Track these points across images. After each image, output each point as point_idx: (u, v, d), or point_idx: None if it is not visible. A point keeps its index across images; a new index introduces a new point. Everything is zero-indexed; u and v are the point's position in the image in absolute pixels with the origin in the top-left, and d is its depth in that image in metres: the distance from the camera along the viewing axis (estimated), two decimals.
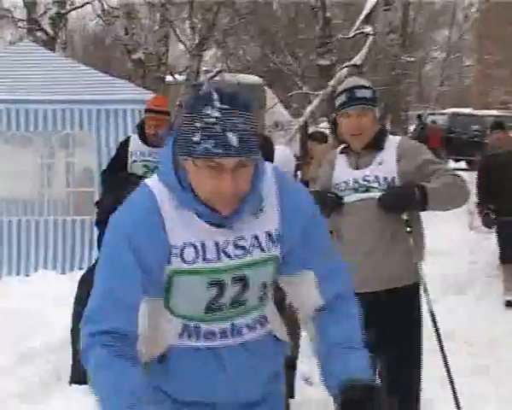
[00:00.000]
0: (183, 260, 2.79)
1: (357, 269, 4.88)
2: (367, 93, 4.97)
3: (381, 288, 4.83)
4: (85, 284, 7.29)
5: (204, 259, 2.82)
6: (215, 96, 2.63)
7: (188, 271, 2.81)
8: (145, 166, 7.68)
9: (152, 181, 2.90)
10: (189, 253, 2.80)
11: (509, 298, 10.68)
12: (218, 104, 2.63)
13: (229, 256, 2.84)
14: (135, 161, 7.62)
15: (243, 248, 2.85)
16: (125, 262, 2.77)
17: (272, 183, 2.97)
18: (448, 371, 5.01)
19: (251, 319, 2.97)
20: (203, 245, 2.82)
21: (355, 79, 5.31)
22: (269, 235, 2.91)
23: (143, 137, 7.74)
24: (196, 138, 2.62)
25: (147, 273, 2.78)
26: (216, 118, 2.60)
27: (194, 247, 2.82)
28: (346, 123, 4.99)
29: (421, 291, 4.89)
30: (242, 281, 2.88)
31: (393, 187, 4.75)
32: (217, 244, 2.84)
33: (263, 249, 2.90)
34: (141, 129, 7.85)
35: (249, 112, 2.71)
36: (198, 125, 2.62)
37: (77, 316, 7.45)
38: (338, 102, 5.06)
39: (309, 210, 3.03)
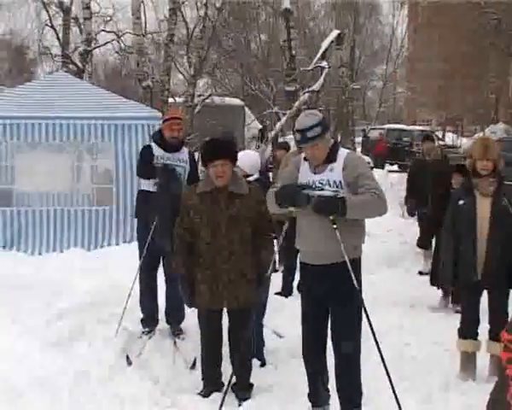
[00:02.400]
0: None
1: (310, 248, 5.00)
2: (316, 131, 4.97)
3: (322, 262, 5.01)
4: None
5: None
6: None
7: None
8: None
9: None
10: None
11: (420, 269, 10.84)
12: None
13: None
14: (157, 164, 7.46)
15: None
16: None
17: None
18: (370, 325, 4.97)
19: None
20: None
21: (305, 120, 5.06)
22: None
23: (161, 144, 7.50)
24: None
25: None
26: None
27: None
28: (305, 153, 5.11)
29: (350, 267, 4.86)
30: None
31: (324, 198, 4.86)
32: None
33: None
34: (159, 138, 7.56)
35: None
36: None
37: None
38: (295, 138, 5.17)
39: None
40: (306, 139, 4.97)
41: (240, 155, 7.04)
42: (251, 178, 6.50)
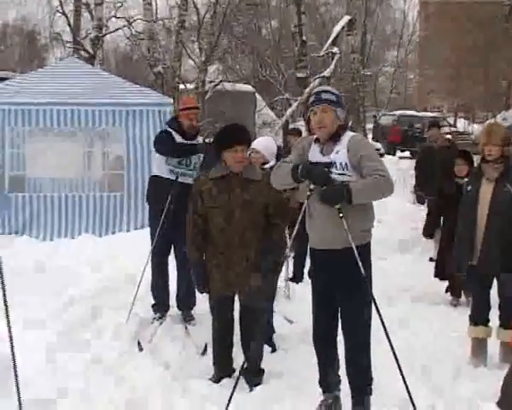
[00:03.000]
0: None
1: (318, 233, 4.99)
2: (331, 97, 5.06)
3: (330, 247, 4.99)
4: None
5: None
6: None
7: None
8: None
9: None
10: None
11: (431, 256, 10.71)
12: None
13: None
14: None
15: None
16: None
17: None
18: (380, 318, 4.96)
19: None
20: None
21: (324, 87, 5.40)
22: None
23: (179, 131, 7.45)
24: None
25: None
26: None
27: None
28: (313, 119, 5.07)
29: (357, 255, 4.84)
30: None
31: (329, 187, 4.85)
32: None
33: None
34: (177, 125, 7.50)
35: None
36: None
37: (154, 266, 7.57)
38: (310, 101, 5.19)
39: None
40: (320, 100, 5.03)
41: (261, 141, 7.09)
42: (267, 165, 6.52)
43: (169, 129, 7.56)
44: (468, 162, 8.50)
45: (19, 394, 4.49)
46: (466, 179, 7.33)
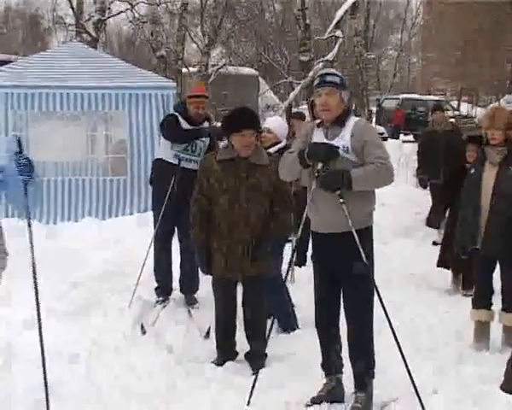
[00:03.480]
0: None
1: (319, 216, 5.03)
2: (335, 79, 5.03)
3: (331, 231, 4.97)
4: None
5: None
6: None
7: None
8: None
9: None
10: None
11: (435, 240, 10.66)
12: None
13: None
14: None
15: None
16: None
17: None
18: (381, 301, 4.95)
19: None
20: None
21: (328, 69, 5.43)
22: None
23: (185, 117, 7.42)
24: None
25: None
26: None
27: None
28: (318, 101, 5.03)
29: (357, 240, 4.81)
30: None
31: (329, 173, 4.82)
32: None
33: None
34: (184, 111, 7.47)
35: None
36: None
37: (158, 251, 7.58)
38: (314, 83, 5.16)
39: None
40: (324, 82, 5.00)
41: (274, 120, 7.14)
42: (278, 146, 6.57)
43: (176, 113, 7.54)
44: (478, 147, 8.34)
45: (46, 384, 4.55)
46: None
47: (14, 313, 6.67)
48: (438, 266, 8.90)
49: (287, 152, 5.29)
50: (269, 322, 5.55)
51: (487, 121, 6.25)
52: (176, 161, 7.34)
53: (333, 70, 5.37)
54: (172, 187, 7.26)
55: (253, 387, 5.07)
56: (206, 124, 7.61)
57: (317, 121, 5.16)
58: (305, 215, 5.14)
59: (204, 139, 7.48)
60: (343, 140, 4.92)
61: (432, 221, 9.99)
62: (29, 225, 4.75)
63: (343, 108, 5.03)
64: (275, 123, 6.99)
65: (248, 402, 5.05)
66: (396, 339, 4.83)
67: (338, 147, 4.87)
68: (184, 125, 7.41)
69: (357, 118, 5.18)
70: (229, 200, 5.60)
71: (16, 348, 5.92)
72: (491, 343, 6.38)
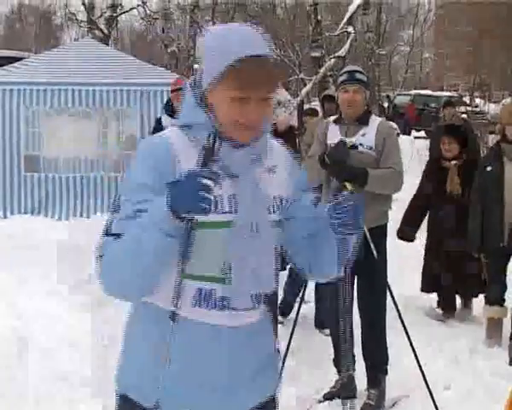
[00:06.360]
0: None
1: None
2: (363, 77, 5.05)
3: None
4: None
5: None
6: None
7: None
8: None
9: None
10: None
11: None
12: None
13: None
14: None
15: None
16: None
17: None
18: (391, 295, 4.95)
19: None
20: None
21: (356, 66, 5.48)
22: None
23: (171, 114, 7.66)
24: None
25: None
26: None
27: None
28: (344, 96, 5.00)
29: (369, 237, 4.78)
30: None
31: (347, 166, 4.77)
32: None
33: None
34: (169, 107, 7.83)
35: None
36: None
37: None
38: (340, 79, 5.12)
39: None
40: (354, 78, 4.98)
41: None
42: None
43: (163, 115, 7.89)
44: (460, 140, 7.04)
45: None
46: (454, 162, 6.94)
47: (26, 303, 6.74)
48: (422, 290, 7.37)
49: (306, 156, 5.29)
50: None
51: (506, 117, 6.18)
52: None
53: (359, 68, 5.37)
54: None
55: None
56: None
57: (333, 118, 5.15)
58: None
59: None
60: (366, 138, 4.91)
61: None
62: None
63: (366, 108, 5.04)
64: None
65: None
66: (408, 336, 4.83)
67: (356, 145, 4.87)
68: (168, 123, 7.67)
69: (380, 118, 5.20)
70: None
71: (29, 337, 5.97)
72: (504, 339, 6.36)
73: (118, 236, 2.17)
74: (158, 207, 2.05)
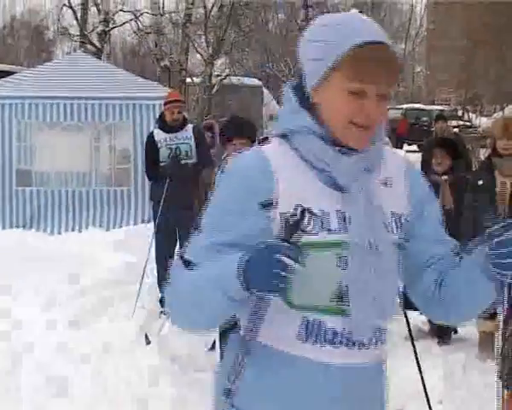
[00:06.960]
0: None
1: None
2: None
3: None
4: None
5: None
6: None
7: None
8: (169, 148, 7.75)
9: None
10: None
11: None
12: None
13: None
14: (161, 147, 7.74)
15: None
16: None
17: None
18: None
19: None
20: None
21: None
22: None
23: (163, 127, 7.79)
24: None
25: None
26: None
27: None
28: None
29: None
30: None
31: None
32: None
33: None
34: (161, 121, 7.91)
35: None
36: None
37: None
38: None
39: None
40: None
41: None
42: None
43: (155, 129, 7.94)
44: (452, 154, 7.00)
45: None
46: (445, 177, 6.84)
47: (21, 315, 6.75)
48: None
49: None
50: None
51: (500, 131, 6.16)
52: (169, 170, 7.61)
53: None
54: (165, 200, 7.45)
55: None
56: (189, 126, 7.93)
57: None
58: None
59: (187, 141, 7.75)
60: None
61: None
62: None
63: None
64: None
65: None
66: (413, 344, 4.81)
67: None
68: (161, 136, 7.75)
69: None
70: None
71: (23, 350, 5.97)
72: (496, 353, 6.36)
73: (189, 263, 1.92)
74: (229, 269, 1.77)
